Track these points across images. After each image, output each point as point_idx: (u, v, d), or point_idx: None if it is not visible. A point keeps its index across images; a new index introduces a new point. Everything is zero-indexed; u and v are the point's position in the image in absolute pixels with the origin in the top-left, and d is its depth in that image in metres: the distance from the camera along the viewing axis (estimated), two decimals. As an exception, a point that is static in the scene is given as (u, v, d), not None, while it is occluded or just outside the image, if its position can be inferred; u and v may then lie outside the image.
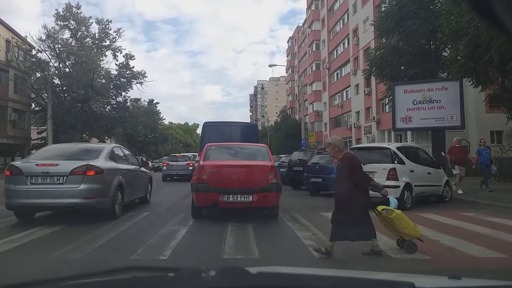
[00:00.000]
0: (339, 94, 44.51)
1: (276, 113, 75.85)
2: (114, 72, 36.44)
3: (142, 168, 10.63)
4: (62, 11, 34.21)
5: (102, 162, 7.73)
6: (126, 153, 9.83)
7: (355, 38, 38.10)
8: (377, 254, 4.78)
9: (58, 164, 7.24)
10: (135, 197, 9.82)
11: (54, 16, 34.26)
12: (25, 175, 7.14)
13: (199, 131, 68.78)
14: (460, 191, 11.91)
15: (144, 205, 9.99)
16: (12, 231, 6.43)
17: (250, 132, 13.19)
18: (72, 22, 34.45)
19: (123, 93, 37.74)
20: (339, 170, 5.09)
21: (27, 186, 7.09)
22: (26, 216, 7.63)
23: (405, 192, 9.14)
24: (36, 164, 7.29)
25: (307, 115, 45.40)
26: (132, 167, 9.54)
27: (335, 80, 45.89)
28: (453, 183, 11.92)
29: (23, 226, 6.96)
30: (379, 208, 5.09)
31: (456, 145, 12.71)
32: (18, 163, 7.75)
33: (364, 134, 36.13)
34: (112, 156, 8.50)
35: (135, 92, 75.24)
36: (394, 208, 4.92)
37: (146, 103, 49.70)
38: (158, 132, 57.00)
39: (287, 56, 77.62)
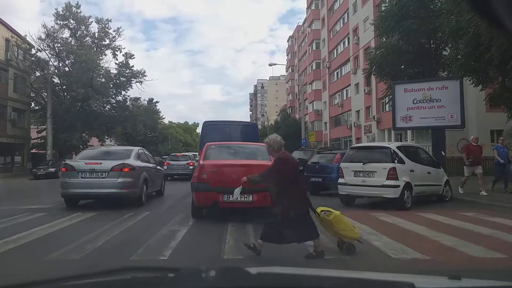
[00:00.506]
0: (339, 93, 44.49)
1: (276, 112, 75.78)
2: (113, 71, 36.45)
3: (158, 167, 12.68)
4: (62, 11, 34.22)
5: (132, 161, 9.89)
6: (146, 153, 12.00)
7: (355, 37, 38.06)
8: (320, 255, 4.73)
9: (101, 163, 9.41)
10: (155, 189, 11.69)
11: (53, 15, 34.33)
12: (77, 171, 9.28)
13: (199, 130, 68.79)
14: (461, 191, 11.58)
15: (144, 205, 9.98)
16: (12, 232, 6.42)
17: (250, 131, 13.17)
18: (71, 21, 34.43)
19: (123, 92, 37.71)
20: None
21: (79, 179, 9.21)
22: (73, 203, 9.68)
23: (405, 191, 9.13)
24: (85, 163, 9.47)
25: (307, 114, 45.38)
26: (152, 165, 11.54)
27: (335, 79, 45.86)
28: (481, 191, 11.20)
29: (22, 227, 6.96)
30: (318, 209, 5.08)
31: (474, 144, 11.98)
32: (71, 162, 10.10)
33: (364, 133, 36.11)
34: (138, 157, 10.63)
35: (135, 91, 75.44)
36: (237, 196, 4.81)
37: (146, 102, 49.70)
38: (158, 131, 56.93)
39: (287, 55, 77.58)
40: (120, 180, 9.18)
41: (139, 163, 10.22)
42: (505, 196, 11.03)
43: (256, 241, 4.93)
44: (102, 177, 9.22)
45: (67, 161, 10.34)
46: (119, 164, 9.33)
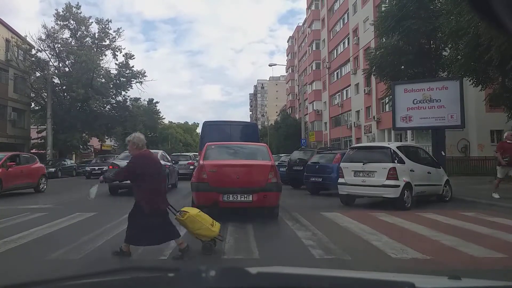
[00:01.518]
0: (339, 93, 44.50)
1: (276, 112, 75.82)
2: (113, 71, 36.41)
3: (174, 165, 16.33)
4: (62, 11, 34.20)
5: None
6: (166, 155, 15.70)
7: (355, 38, 38.07)
8: (185, 252, 4.79)
9: None
10: (172, 182, 14.45)
11: (54, 16, 34.33)
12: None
13: (199, 130, 68.79)
14: (496, 195, 10.32)
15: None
16: (12, 231, 6.43)
17: (250, 131, 13.19)
18: (72, 22, 34.42)
19: (123, 93, 37.65)
20: None
21: None
22: (115, 192, 12.70)
23: (405, 191, 9.12)
24: (126, 162, 11.11)
25: (307, 114, 45.38)
26: (169, 164, 14.69)
27: (335, 79, 45.87)
28: (494, 194, 10.41)
29: (22, 226, 6.96)
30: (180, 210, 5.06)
31: (508, 141, 10.64)
32: (116, 161, 13.47)
33: (364, 133, 36.12)
34: (162, 157, 13.63)
35: (135, 91, 75.26)
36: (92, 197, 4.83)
37: (146, 102, 49.74)
38: (158, 132, 56.97)
39: (287, 56, 77.62)
40: None
41: (163, 162, 13.22)
42: (505, 196, 11.00)
43: (123, 244, 4.88)
44: None
45: (114, 161, 14.03)
46: None
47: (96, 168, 24.84)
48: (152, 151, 18.43)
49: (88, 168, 25.92)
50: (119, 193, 12.64)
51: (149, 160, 5.03)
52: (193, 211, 5.08)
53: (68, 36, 34.81)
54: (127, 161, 13.18)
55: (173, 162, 17.69)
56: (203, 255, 5.11)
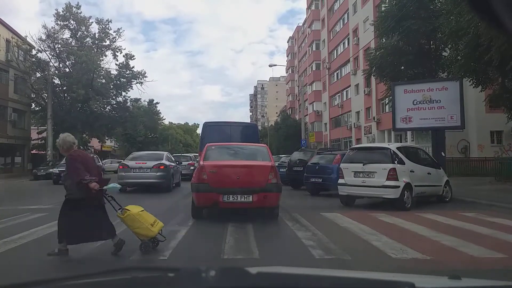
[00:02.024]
0: (339, 94, 44.49)
1: (276, 113, 75.81)
2: (114, 72, 36.41)
3: (178, 166, 17.28)
4: (62, 11, 34.17)
5: (165, 161, 14.56)
6: (170, 156, 16.85)
7: (355, 38, 38.07)
8: (118, 246, 4.87)
9: (146, 163, 13.98)
10: (176, 181, 15.71)
11: (54, 16, 34.28)
12: (130, 168, 13.86)
13: (199, 131, 68.68)
14: None
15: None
16: (13, 231, 6.43)
17: (250, 132, 13.20)
18: (72, 22, 34.40)
19: (123, 93, 37.68)
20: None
21: (131, 173, 13.71)
22: (125, 189, 12.51)
23: (405, 192, 9.13)
24: (135, 163, 14.04)
25: (307, 115, 45.37)
26: (173, 164, 15.81)
27: (335, 80, 45.87)
28: None
29: (23, 227, 6.96)
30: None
31: None
32: (125, 162, 14.73)
33: (364, 134, 36.10)
34: (167, 158, 15.28)
35: (135, 92, 75.32)
36: (113, 190, 4.87)
37: (146, 103, 49.73)
38: (158, 132, 56.96)
39: (287, 56, 77.60)
40: (158, 173, 13.75)
41: (168, 163, 14.80)
42: (505, 196, 11.03)
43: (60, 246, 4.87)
44: (146, 172, 13.71)
45: (123, 162, 15.33)
46: (157, 163, 13.99)
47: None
48: (156, 152, 19.13)
49: (56, 170, 19.28)
50: (120, 193, 12.57)
51: (83, 156, 5.26)
52: (135, 209, 5.13)
53: (68, 36, 34.84)
54: (136, 161, 13.87)
55: (177, 162, 18.00)
56: (203, 255, 5.12)
